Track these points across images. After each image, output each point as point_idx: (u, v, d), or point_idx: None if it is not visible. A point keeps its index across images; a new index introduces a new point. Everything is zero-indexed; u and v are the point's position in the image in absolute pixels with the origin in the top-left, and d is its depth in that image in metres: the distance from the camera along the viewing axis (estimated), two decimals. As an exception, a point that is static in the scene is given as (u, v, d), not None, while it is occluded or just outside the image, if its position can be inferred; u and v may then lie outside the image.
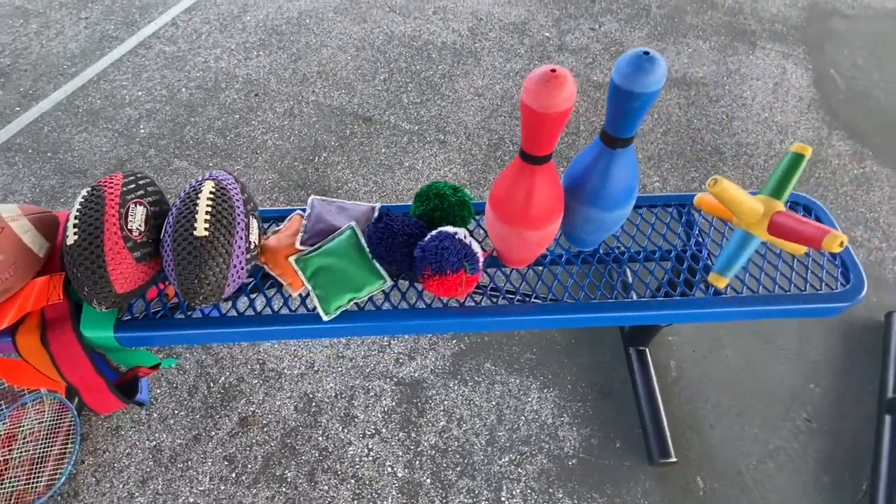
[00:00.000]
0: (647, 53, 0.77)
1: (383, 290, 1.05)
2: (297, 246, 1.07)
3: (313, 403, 1.48)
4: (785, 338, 1.61)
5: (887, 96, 2.31)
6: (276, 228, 1.13)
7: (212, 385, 1.51)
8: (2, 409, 1.41)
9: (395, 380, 1.52)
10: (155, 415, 1.46)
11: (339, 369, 1.54)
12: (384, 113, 2.19)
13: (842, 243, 0.89)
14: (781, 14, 2.67)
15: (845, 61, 2.46)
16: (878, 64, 2.46)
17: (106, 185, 0.98)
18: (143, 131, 2.12)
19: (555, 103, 0.73)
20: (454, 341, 1.60)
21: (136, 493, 1.34)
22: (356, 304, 1.03)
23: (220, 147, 2.07)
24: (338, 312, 1.01)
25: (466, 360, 1.56)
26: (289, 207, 1.23)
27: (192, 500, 1.34)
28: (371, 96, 2.25)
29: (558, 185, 0.91)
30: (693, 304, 1.03)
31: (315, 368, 1.54)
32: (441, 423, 1.45)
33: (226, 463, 1.39)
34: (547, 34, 2.53)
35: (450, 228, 1.00)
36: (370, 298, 1.04)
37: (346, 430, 1.44)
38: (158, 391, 1.50)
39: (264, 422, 1.45)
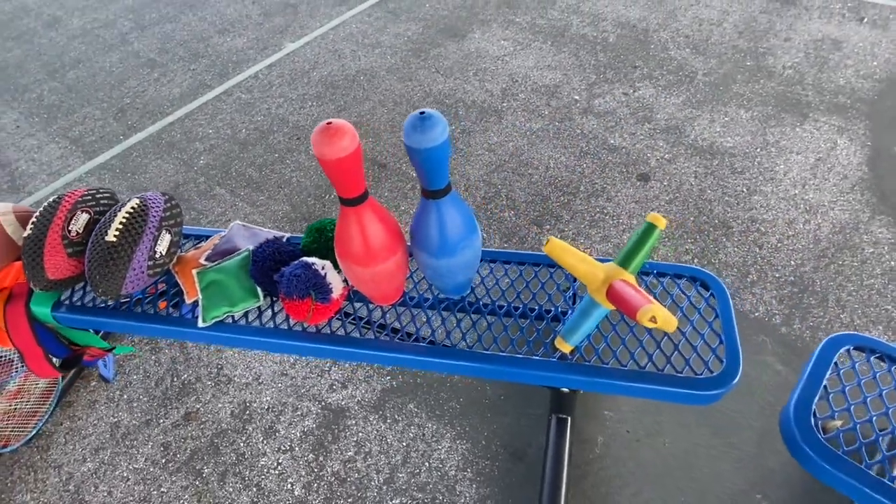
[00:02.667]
0: (422, 114, 0.84)
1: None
2: (201, 261, 1.24)
3: (247, 412, 1.62)
4: (741, 436, 1.42)
5: (964, 182, 1.98)
6: (200, 245, 1.32)
7: (175, 379, 1.73)
8: (18, 368, 1.74)
9: (323, 404, 1.61)
10: (125, 396, 1.70)
11: (279, 385, 1.67)
12: (398, 161, 2.37)
13: (652, 318, 0.85)
14: (850, 85, 2.42)
15: (918, 140, 2.15)
16: (965, 145, 2.12)
17: (67, 195, 1.25)
18: (201, 161, 2.52)
19: (329, 151, 0.83)
20: (388, 377, 1.65)
21: (88, 459, 1.57)
22: (232, 317, 1.17)
23: (254, 180, 2.39)
24: (212, 322, 1.15)
25: (393, 397, 1.61)
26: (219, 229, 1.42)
27: (125, 474, 1.53)
28: (392, 146, 2.45)
29: (384, 227, 0.97)
30: (536, 366, 1.01)
31: (260, 381, 1.69)
32: (349, 453, 1.50)
33: (161, 448, 1.57)
34: (576, 97, 2.56)
35: (311, 259, 1.10)
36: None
37: (265, 442, 1.55)
38: (135, 377, 1.75)
39: (203, 419, 1.62)
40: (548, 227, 2.00)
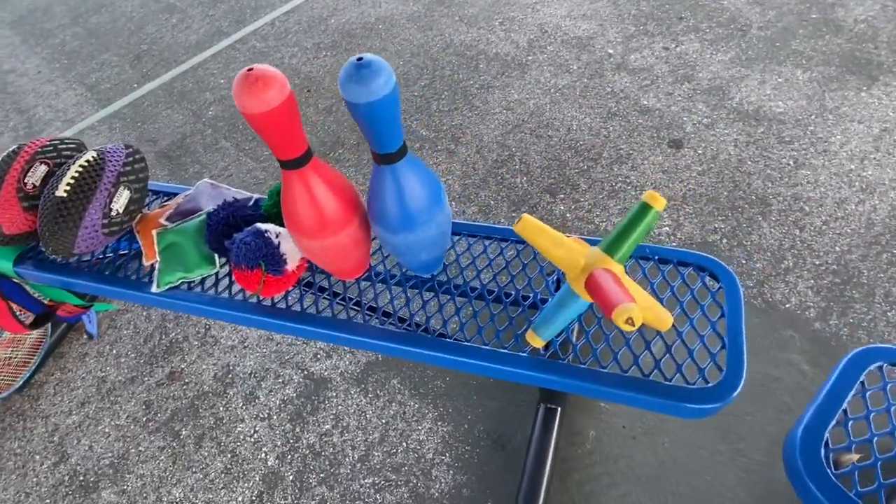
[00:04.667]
0: (360, 60, 0.70)
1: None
2: (161, 221, 1.16)
3: (230, 375, 1.58)
4: (752, 442, 1.27)
5: None
6: (167, 203, 1.24)
7: (163, 337, 1.70)
8: (15, 318, 1.76)
9: (306, 373, 1.55)
10: (114, 351, 1.70)
11: (264, 350, 1.62)
12: (409, 118, 2.22)
13: (629, 320, 0.70)
14: (935, 44, 2.08)
15: None
16: None
17: (27, 145, 1.18)
18: (210, 113, 2.44)
19: (251, 104, 0.70)
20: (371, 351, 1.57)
21: (73, 412, 1.58)
22: (188, 283, 1.09)
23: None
24: (166, 288, 1.08)
25: (377, 371, 1.52)
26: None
27: (107, 430, 1.53)
28: (405, 101, 2.29)
29: (334, 194, 0.85)
30: (501, 360, 0.88)
31: (245, 344, 1.64)
32: (327, 426, 1.44)
33: (143, 407, 1.56)
34: (610, 51, 2.31)
35: (265, 226, 1.00)
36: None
37: (244, 408, 1.51)
38: (125, 332, 1.73)
39: (186, 380, 1.59)
40: (562, 195, 1.83)
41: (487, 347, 0.90)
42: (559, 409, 1.33)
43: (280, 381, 1.55)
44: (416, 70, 2.43)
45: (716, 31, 2.31)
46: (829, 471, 0.73)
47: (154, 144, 2.36)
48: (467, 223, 1.08)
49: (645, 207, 0.80)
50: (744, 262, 1.58)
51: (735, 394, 0.81)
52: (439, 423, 1.41)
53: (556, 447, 1.29)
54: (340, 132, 2.22)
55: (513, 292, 0.98)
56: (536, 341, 0.88)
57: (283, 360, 1.59)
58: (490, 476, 1.31)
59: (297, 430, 1.45)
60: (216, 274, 1.09)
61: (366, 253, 0.97)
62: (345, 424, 1.44)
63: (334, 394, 1.50)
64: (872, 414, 0.77)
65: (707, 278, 0.95)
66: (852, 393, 0.79)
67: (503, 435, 1.37)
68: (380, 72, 0.70)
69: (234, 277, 1.00)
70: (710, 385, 0.81)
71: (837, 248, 1.57)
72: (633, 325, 0.71)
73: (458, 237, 1.08)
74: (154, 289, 1.08)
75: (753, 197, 1.72)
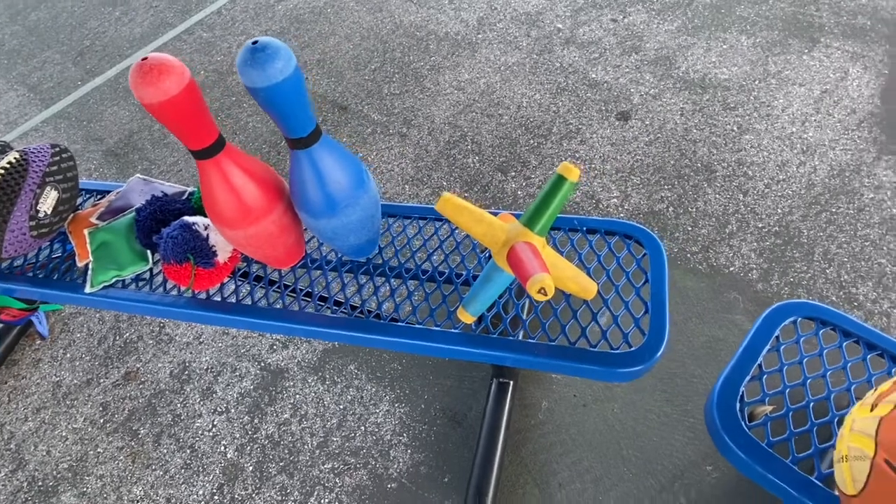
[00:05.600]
0: (255, 44, 0.68)
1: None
2: (92, 220, 1.14)
3: (186, 372, 1.57)
4: (698, 403, 1.31)
5: None
6: (98, 201, 1.22)
7: (117, 338, 1.68)
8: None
9: (263, 365, 1.55)
10: (68, 355, 1.67)
11: (220, 345, 1.61)
12: (360, 102, 2.19)
13: (542, 290, 0.72)
14: (872, 3, 2.11)
15: (945, 66, 1.87)
16: None
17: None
18: (158, 107, 2.38)
19: (147, 94, 0.69)
20: (331, 337, 1.57)
21: (29, 418, 1.55)
22: (122, 281, 1.07)
23: (210, 126, 2.25)
24: (99, 287, 1.06)
25: (334, 358, 1.53)
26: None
27: (64, 434, 1.51)
28: (355, 85, 2.27)
29: (254, 182, 0.84)
30: (433, 338, 0.89)
31: (201, 340, 1.63)
32: (285, 416, 1.45)
33: (100, 409, 1.54)
34: (559, 25, 2.30)
35: (193, 219, 0.99)
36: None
37: (202, 403, 1.51)
38: (78, 335, 1.71)
39: (143, 379, 1.58)
40: (513, 173, 1.84)
41: (420, 326, 0.91)
42: (511, 382, 1.36)
43: (237, 374, 1.54)
44: (366, 53, 2.39)
45: (663, 0, 2.31)
46: (742, 423, 0.75)
47: (101, 143, 2.30)
48: (401, 205, 1.08)
49: (560, 179, 0.80)
50: (689, 228, 1.61)
51: (658, 355, 0.83)
52: (396, 405, 1.42)
53: (508, 420, 1.31)
54: (292, 121, 2.19)
55: (446, 271, 0.99)
56: (467, 317, 0.89)
57: (239, 353, 1.58)
58: (447, 452, 1.33)
59: (256, 421, 1.45)
60: (150, 270, 1.08)
61: (296, 240, 0.97)
62: (303, 413, 1.45)
63: (292, 383, 1.50)
64: (786, 367, 0.80)
65: (633, 246, 0.96)
66: (767, 348, 0.82)
67: (459, 412, 1.39)
68: (277, 55, 0.69)
69: (164, 272, 0.99)
70: (633, 349, 0.84)
71: (779, 211, 1.61)
72: (546, 295, 0.72)
73: (393, 219, 1.08)
74: (87, 289, 1.06)
75: (699, 164, 1.75)
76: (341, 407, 1.44)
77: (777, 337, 0.83)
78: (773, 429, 0.76)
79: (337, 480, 1.33)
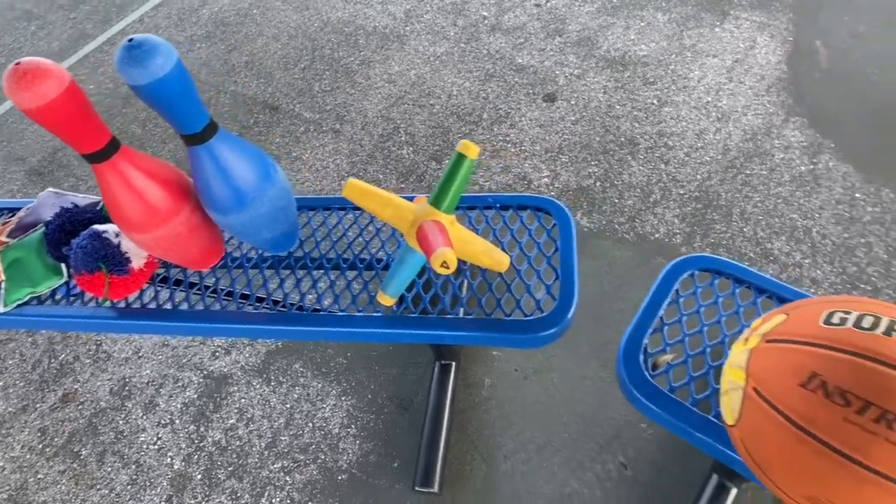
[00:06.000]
0: (131, 41, 0.68)
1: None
2: (2, 238, 1.10)
3: (127, 388, 1.54)
4: (631, 365, 1.36)
5: (884, 73, 1.84)
6: (7, 219, 1.18)
7: (52, 361, 1.63)
8: None
9: (205, 372, 1.53)
10: (1, 383, 1.61)
11: (160, 357, 1.58)
12: (292, 101, 2.18)
13: (444, 263, 0.74)
14: (776, -24, 2.22)
15: (842, 30, 1.99)
16: (888, 31, 1.96)
17: None
18: (82, 122, 2.30)
19: (22, 100, 0.68)
20: (272, 340, 1.56)
21: (-38, 453, 1.49)
22: (38, 297, 1.04)
23: (137, 136, 2.19)
24: (13, 305, 1.03)
25: (278, 358, 1.52)
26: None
27: (1, 464, 1.46)
28: (286, 85, 2.25)
29: (155, 183, 0.83)
30: (355, 323, 0.91)
31: (140, 354, 1.59)
32: (231, 421, 1.44)
33: (39, 434, 1.49)
34: (485, 13, 2.34)
35: (104, 227, 0.97)
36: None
37: (144, 417, 1.48)
38: (10, 362, 1.64)
39: (82, 400, 1.54)
40: (447, 161, 1.86)
41: (343, 314, 0.92)
42: (453, 363, 1.38)
43: (179, 384, 1.52)
44: (295, 52, 2.37)
45: (582, -17, 2.37)
46: (646, 373, 0.80)
47: (23, 163, 2.20)
48: (319, 197, 1.09)
49: (460, 157, 0.83)
50: (616, 201, 1.67)
51: (568, 317, 0.87)
52: (343, 398, 1.43)
53: (452, 400, 1.34)
54: (222, 124, 2.15)
55: (367, 257, 1.01)
56: (386, 300, 0.91)
57: (180, 363, 1.56)
58: (395, 439, 1.35)
59: (202, 429, 1.43)
60: (67, 283, 1.06)
61: (211, 239, 0.97)
62: (249, 416, 1.44)
63: (236, 388, 1.49)
64: (685, 317, 0.85)
65: (543, 217, 1.00)
66: (668, 301, 0.87)
67: (405, 398, 1.41)
68: (155, 51, 0.69)
69: (77, 284, 0.97)
70: (544, 314, 0.87)
71: (699, 177, 1.68)
72: (448, 268, 0.75)
73: (312, 212, 1.09)
74: (1, 308, 1.03)
75: (623, 139, 1.81)
76: (288, 406, 1.44)
77: (676, 290, 0.88)
78: (675, 375, 0.81)
79: (287, 478, 1.33)
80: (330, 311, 0.93)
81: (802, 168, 1.65)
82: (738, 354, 0.64)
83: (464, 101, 2.03)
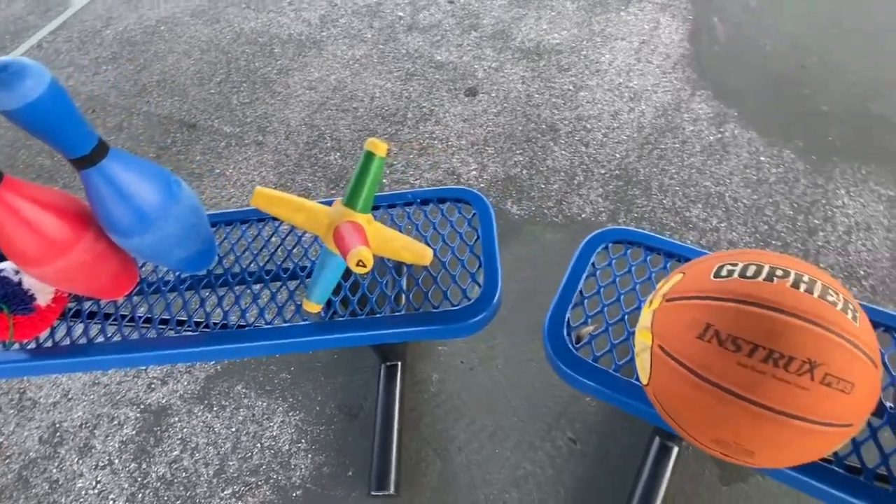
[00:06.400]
0: (-5, 63, 0.64)
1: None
2: None
3: (58, 434, 1.45)
4: (571, 343, 1.40)
5: (776, 43, 1.98)
6: None
7: (-30, 417, 1.51)
8: None
9: (142, 407, 1.46)
10: (-88, 449, 1.48)
11: (92, 397, 1.49)
12: (210, 117, 2.11)
13: (360, 262, 0.73)
14: (671, -41, 2.34)
15: (735, 6, 2.12)
16: (779, 3, 2.11)
17: None
18: (-19, 159, 2.15)
19: None
20: (212, 362, 1.51)
21: None
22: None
23: (46, 168, 2.06)
24: None
25: (219, 382, 1.47)
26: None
27: (-80, 537, 1.34)
28: (202, 101, 2.17)
29: (47, 213, 0.79)
30: (281, 334, 0.89)
31: (69, 396, 1.50)
32: (175, 453, 1.38)
33: (-39, 498, 1.39)
34: (400, 13, 2.34)
35: (2, 265, 0.91)
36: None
37: (80, 462, 1.40)
38: (-78, 425, 1.52)
39: (8, 453, 1.44)
40: (375, 163, 1.85)
41: (269, 326, 0.90)
42: (399, 363, 1.38)
43: (115, 423, 1.44)
44: (209, 67, 2.30)
45: (492, -23, 2.42)
46: (570, 346, 0.82)
47: (-83, 208, 2.03)
48: (236, 210, 1.06)
49: (369, 156, 0.83)
50: (543, 186, 1.71)
51: (494, 301, 0.88)
52: (290, 414, 1.40)
53: (401, 400, 1.34)
54: (137, 148, 2.06)
55: (290, 266, 0.99)
56: (312, 307, 0.89)
57: (114, 401, 1.48)
58: (347, 447, 1.33)
59: (144, 466, 1.37)
60: (-33, 331, 0.98)
61: (121, 266, 0.92)
62: (193, 445, 1.38)
63: (177, 418, 1.43)
64: (602, 289, 0.89)
65: (463, 208, 1.01)
66: (585, 275, 0.90)
67: (354, 405, 1.39)
68: (24, 72, 0.65)
69: (-23, 329, 0.90)
70: (471, 301, 0.88)
71: (617, 155, 1.75)
72: (365, 266, 0.74)
73: (230, 226, 1.06)
74: None
75: (544, 126, 1.86)
76: (233, 430, 1.39)
77: (593, 264, 0.91)
78: (598, 345, 0.84)
79: (239, 503, 1.29)
80: (256, 326, 0.90)
81: (711, 138, 1.75)
82: (645, 317, 0.67)
83: (387, 102, 2.03)
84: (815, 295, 0.56)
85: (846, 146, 1.67)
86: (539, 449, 1.27)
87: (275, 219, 1.05)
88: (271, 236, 1.03)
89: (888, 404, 0.73)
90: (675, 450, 1.18)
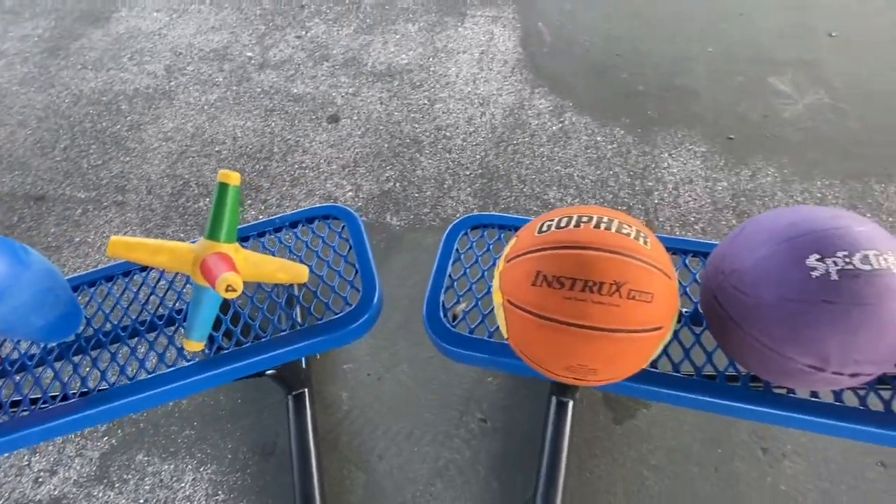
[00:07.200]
0: None
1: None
2: None
3: (-72, 564, 1.27)
4: (466, 332, 1.50)
5: (592, 37, 2.26)
6: None
7: None
8: None
9: (30, 505, 1.33)
10: None
11: (-35, 511, 1.33)
12: (59, 186, 1.97)
13: (229, 287, 0.76)
14: (494, -24, 2.59)
15: (554, 10, 2.40)
16: (590, 4, 2.41)
17: None
18: None
19: None
20: (105, 437, 1.41)
21: None
22: None
23: None
24: None
25: (116, 457, 1.38)
26: None
27: None
28: (48, 170, 2.03)
29: None
30: (165, 380, 0.88)
31: (-64, 518, 1.33)
32: (77, 544, 1.27)
33: None
34: (249, 53, 2.36)
35: None
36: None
37: (-38, 587, 1.24)
38: None
39: None
40: (249, 201, 1.85)
41: (151, 376, 0.89)
42: (305, 390, 1.38)
43: (0, 531, 1.30)
44: (50, 134, 2.15)
45: (335, 9, 2.52)
46: (448, 326, 0.90)
47: None
48: (98, 269, 1.03)
49: (223, 186, 0.86)
50: (417, 195, 1.81)
51: (374, 302, 0.94)
52: (201, 469, 1.35)
53: (314, 425, 1.34)
54: (-22, 232, 1.87)
55: (165, 312, 0.98)
56: (193, 346, 0.89)
57: (-6, 508, 1.33)
58: (268, 487, 1.31)
59: (43, 568, 1.24)
60: None
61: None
62: (98, 530, 1.28)
63: (74, 507, 1.32)
64: (468, 270, 0.98)
65: (332, 223, 1.07)
66: (451, 261, 0.99)
67: (267, 443, 1.37)
68: None
69: None
70: (353, 307, 0.93)
71: (478, 156, 1.90)
72: (235, 291, 0.77)
73: (93, 287, 1.02)
74: None
75: (408, 140, 1.97)
76: (141, 501, 1.31)
77: (456, 249, 1.00)
78: (472, 319, 0.92)
79: (161, 575, 1.21)
80: (136, 379, 0.88)
81: (554, 128, 1.95)
82: (495, 280, 0.76)
83: (250, 140, 2.03)
84: (613, 230, 0.68)
85: (662, 116, 1.95)
86: (455, 437, 1.34)
87: (143, 269, 1.04)
88: (140, 287, 1.01)
89: (683, 310, 0.89)
90: (570, 403, 1.31)
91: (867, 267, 0.61)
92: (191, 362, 0.90)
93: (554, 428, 1.28)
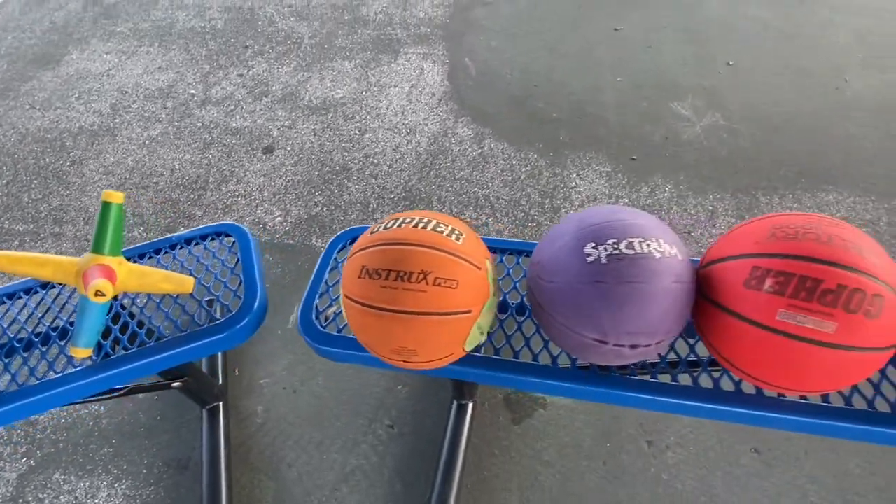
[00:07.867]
0: None
1: None
2: None
3: None
4: (380, 345, 1.57)
5: (513, 70, 2.42)
6: None
7: None
8: None
9: (-58, 529, 1.35)
10: None
11: None
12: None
13: (98, 292, 0.84)
14: (427, 16, 2.78)
15: (480, 47, 2.57)
16: (512, 41, 2.59)
17: None
18: None
19: None
20: (24, 459, 1.45)
21: None
22: None
23: None
24: None
25: (34, 477, 1.41)
26: None
27: None
28: (3, 208, 2.09)
29: None
30: (53, 385, 0.94)
31: None
32: (-13, 564, 1.29)
33: None
34: (192, 91, 2.48)
35: None
36: None
37: None
38: None
39: None
40: (181, 229, 1.92)
41: (39, 381, 0.95)
42: (219, 404, 1.44)
43: None
44: (-7, 172, 2.22)
45: (277, 49, 2.66)
46: (319, 328, 0.99)
47: None
48: (2, 287, 1.09)
49: (106, 205, 0.95)
50: (342, 218, 1.91)
51: (255, 307, 1.02)
52: (116, 485, 1.38)
53: (227, 438, 1.39)
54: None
55: (43, 329, 1.04)
56: (80, 352, 0.96)
57: None
58: (181, 498, 1.35)
59: (-50, 590, 1.26)
60: None
61: None
62: (9, 549, 1.31)
63: (-13, 528, 1.34)
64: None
65: (224, 239, 1.15)
66: (329, 268, 1.08)
67: (182, 458, 1.42)
68: None
69: None
70: (233, 313, 1.01)
71: (402, 181, 2.01)
72: (105, 295, 0.85)
73: (-5, 303, 1.09)
74: None
75: (337, 167, 2.08)
76: (54, 519, 1.34)
77: (335, 258, 1.10)
78: (341, 320, 1.01)
79: (68, 591, 1.24)
80: (25, 385, 0.95)
81: (474, 153, 2.08)
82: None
83: (187, 171, 2.13)
84: (429, 229, 0.78)
85: (573, 141, 2.09)
86: (362, 443, 1.40)
87: (43, 286, 1.11)
88: (38, 304, 1.08)
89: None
90: (470, 405, 1.39)
91: (631, 252, 0.72)
92: (78, 368, 0.96)
93: (453, 429, 1.36)
